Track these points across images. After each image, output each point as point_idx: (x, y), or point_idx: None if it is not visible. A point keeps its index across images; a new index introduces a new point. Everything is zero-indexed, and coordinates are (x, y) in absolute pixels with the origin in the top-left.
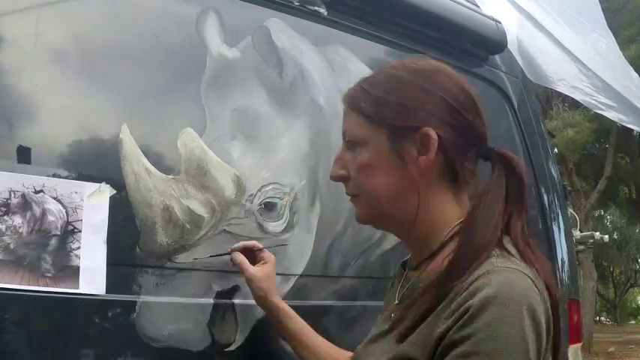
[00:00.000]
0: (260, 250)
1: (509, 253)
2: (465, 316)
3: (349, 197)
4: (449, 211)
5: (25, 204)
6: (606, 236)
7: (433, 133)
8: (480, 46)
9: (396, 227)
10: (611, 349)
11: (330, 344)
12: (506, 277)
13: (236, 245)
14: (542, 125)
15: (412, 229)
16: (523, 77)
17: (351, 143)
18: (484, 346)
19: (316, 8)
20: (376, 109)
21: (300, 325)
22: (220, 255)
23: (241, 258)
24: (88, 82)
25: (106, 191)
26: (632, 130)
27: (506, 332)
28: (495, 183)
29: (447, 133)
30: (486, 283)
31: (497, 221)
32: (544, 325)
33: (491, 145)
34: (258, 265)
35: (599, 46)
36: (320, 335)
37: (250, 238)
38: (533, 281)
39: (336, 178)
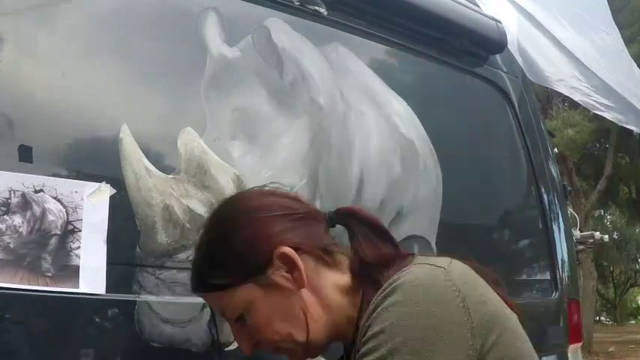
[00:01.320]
0: None
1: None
2: (373, 314)
3: (285, 350)
4: (343, 296)
5: (25, 203)
6: (606, 236)
7: (286, 249)
8: (480, 45)
9: (329, 340)
10: (611, 348)
11: None
12: (415, 271)
13: None
14: (542, 125)
15: (336, 330)
16: (523, 77)
17: (237, 318)
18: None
19: (316, 8)
20: (225, 275)
21: None
22: None
23: None
24: (88, 81)
25: (106, 191)
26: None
27: (415, 324)
28: (355, 242)
29: (295, 238)
30: (394, 280)
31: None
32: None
33: (330, 212)
34: None
35: (602, 44)
36: None
37: None
38: (446, 272)
39: (253, 350)
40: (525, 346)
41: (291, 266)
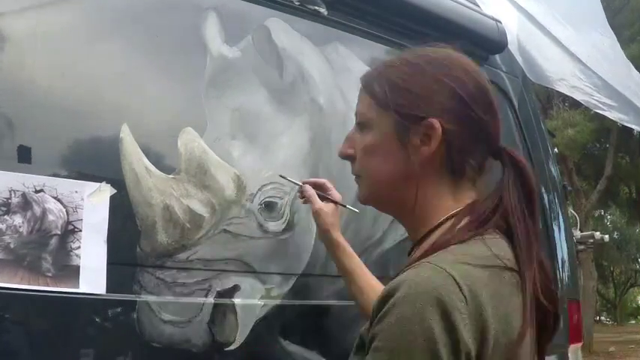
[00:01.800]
0: (329, 189)
1: (477, 244)
2: (379, 313)
3: (354, 177)
4: (442, 203)
5: (26, 203)
6: (606, 236)
7: (437, 125)
8: (480, 45)
9: (393, 211)
10: (611, 348)
11: (381, 285)
12: (422, 273)
13: (308, 179)
14: (542, 125)
15: (408, 215)
16: (523, 77)
17: (360, 124)
18: (387, 344)
19: (316, 8)
20: (387, 94)
21: (355, 264)
22: (293, 182)
23: (311, 191)
24: (89, 81)
25: (106, 191)
26: (633, 129)
27: (408, 330)
28: (501, 183)
29: (454, 127)
30: (401, 278)
31: (477, 226)
32: (465, 333)
33: (502, 145)
34: (326, 201)
35: (600, 45)
36: (320, 334)
37: (251, 238)
38: (457, 283)
39: (342, 156)
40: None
41: (426, 140)
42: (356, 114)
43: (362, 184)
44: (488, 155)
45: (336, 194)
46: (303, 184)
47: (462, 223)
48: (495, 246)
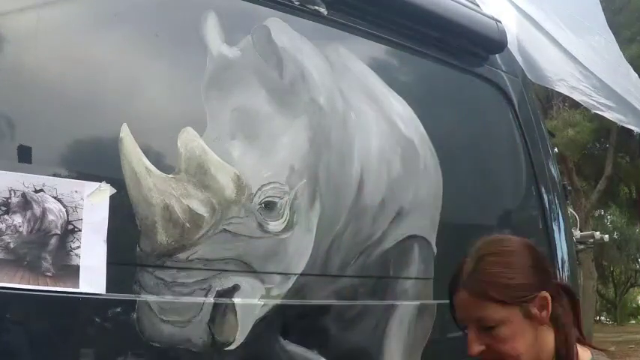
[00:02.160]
0: None
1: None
2: None
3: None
4: (550, 342)
5: (26, 203)
6: (606, 236)
7: (547, 295)
8: (480, 45)
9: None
10: (612, 348)
11: None
12: None
13: None
14: (542, 125)
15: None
16: (523, 77)
17: (486, 327)
18: None
19: (316, 8)
20: (506, 294)
21: None
22: None
23: None
24: (89, 80)
25: (106, 190)
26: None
27: None
28: (568, 313)
29: (546, 286)
30: None
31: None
32: None
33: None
34: None
35: (599, 46)
36: (320, 334)
37: (250, 238)
38: None
39: (475, 355)
40: None
41: (543, 307)
42: (479, 319)
43: None
44: (556, 293)
45: None
46: None
47: None
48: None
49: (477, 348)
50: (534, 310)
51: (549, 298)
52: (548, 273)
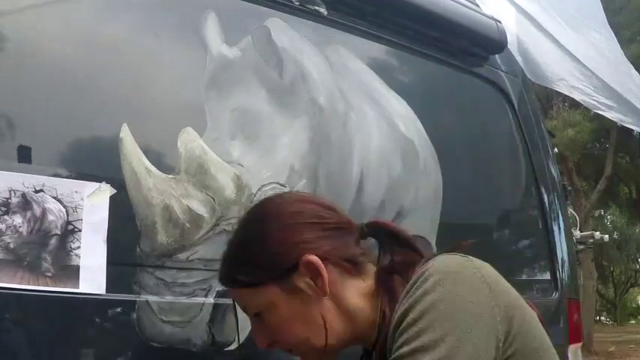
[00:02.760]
0: None
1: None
2: (407, 305)
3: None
4: (365, 297)
5: (25, 203)
6: (606, 236)
7: (313, 257)
8: (479, 45)
9: (346, 343)
10: (612, 348)
11: None
12: (443, 260)
13: None
14: (542, 125)
15: (357, 333)
16: (523, 77)
17: (257, 315)
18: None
19: (316, 8)
20: (252, 273)
21: None
22: None
23: None
24: (89, 80)
25: (106, 190)
26: (633, 129)
27: (461, 301)
28: (382, 253)
29: (323, 247)
30: (424, 271)
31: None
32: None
33: (358, 224)
34: None
35: (600, 45)
36: None
37: None
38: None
39: (268, 348)
40: (544, 337)
41: (315, 274)
42: (245, 309)
43: (303, 355)
44: (360, 239)
45: None
46: None
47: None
48: None
49: (263, 341)
50: (302, 283)
51: (316, 260)
52: (322, 225)
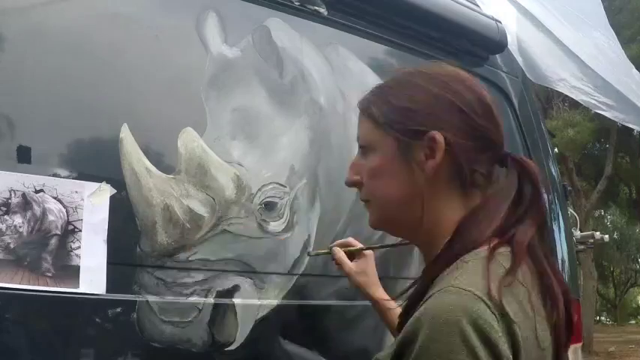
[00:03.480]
0: (356, 244)
1: (492, 261)
2: (411, 343)
3: (363, 203)
4: (455, 216)
5: (26, 203)
6: (606, 236)
7: (440, 137)
8: (480, 45)
9: (405, 232)
10: (612, 348)
11: None
12: (452, 299)
13: (337, 242)
14: (542, 125)
15: (419, 233)
16: (523, 77)
17: (363, 149)
18: None
19: (316, 8)
20: (385, 114)
21: (395, 317)
22: (322, 253)
23: (340, 254)
24: (89, 80)
25: (106, 191)
26: (633, 129)
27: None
28: (503, 187)
29: (456, 137)
30: (431, 306)
31: (490, 224)
32: (503, 346)
33: (508, 152)
34: (356, 259)
35: (600, 45)
36: (320, 334)
37: (251, 238)
38: (487, 305)
39: (349, 184)
40: None
41: (431, 153)
42: (358, 139)
43: (371, 209)
44: (494, 163)
45: (366, 252)
46: (332, 249)
47: (477, 234)
48: (507, 262)
49: (351, 175)
50: (416, 153)
51: (442, 142)
52: (473, 119)
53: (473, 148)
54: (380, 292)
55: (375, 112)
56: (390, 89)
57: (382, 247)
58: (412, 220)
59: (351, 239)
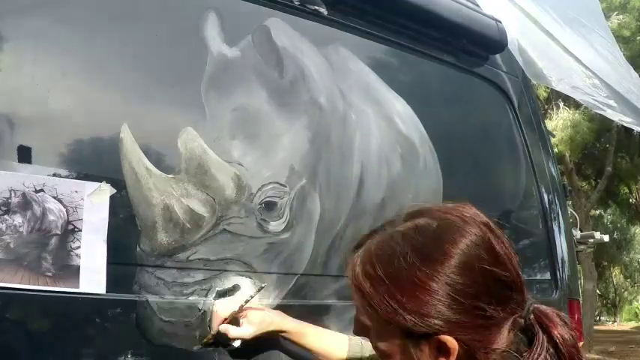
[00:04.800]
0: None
1: None
2: None
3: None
4: None
5: (26, 203)
6: (606, 236)
7: (451, 342)
8: (480, 45)
9: None
10: (612, 349)
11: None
12: None
13: (215, 326)
14: (542, 125)
15: None
16: (523, 77)
17: (366, 329)
18: None
19: (317, 8)
20: (384, 309)
21: (313, 339)
22: (209, 339)
23: (229, 328)
24: (89, 80)
25: (106, 190)
26: (633, 129)
27: None
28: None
29: (467, 331)
30: None
31: None
32: None
33: (529, 306)
34: (243, 321)
35: (599, 46)
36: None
37: (251, 237)
38: None
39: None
40: None
41: (443, 354)
42: (357, 311)
43: None
44: (514, 331)
45: (249, 312)
46: (218, 330)
47: None
48: None
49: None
50: (424, 354)
51: (453, 347)
52: (484, 310)
53: (490, 336)
54: (287, 323)
55: (377, 305)
56: (383, 277)
57: (247, 302)
58: None
59: (222, 327)
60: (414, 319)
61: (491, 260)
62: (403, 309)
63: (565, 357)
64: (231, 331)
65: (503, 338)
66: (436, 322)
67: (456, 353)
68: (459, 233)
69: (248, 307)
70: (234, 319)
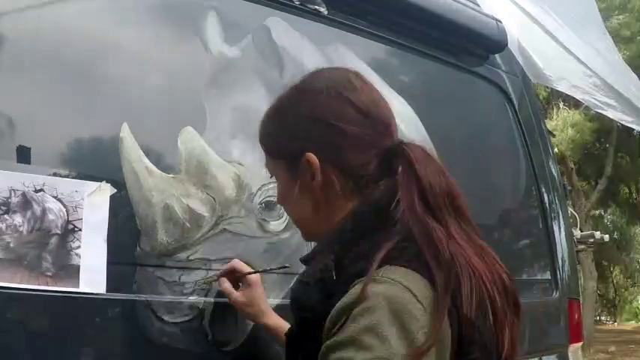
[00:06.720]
0: (242, 269)
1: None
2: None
3: None
4: (340, 213)
5: (26, 203)
6: (606, 236)
7: (312, 158)
8: (480, 45)
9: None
10: (612, 348)
11: None
12: (384, 288)
13: (223, 269)
14: (542, 124)
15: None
16: (523, 76)
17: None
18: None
19: (317, 7)
20: (268, 144)
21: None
22: (210, 280)
23: (226, 285)
24: (89, 80)
25: (106, 190)
26: (633, 129)
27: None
28: (397, 182)
29: (330, 151)
30: (357, 291)
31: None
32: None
33: (394, 143)
34: (242, 288)
35: (598, 47)
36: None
37: (251, 237)
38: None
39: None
40: None
41: (313, 173)
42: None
43: (301, 231)
44: (383, 156)
45: (252, 277)
46: (219, 277)
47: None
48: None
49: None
50: (303, 174)
51: (315, 161)
52: (349, 130)
53: (351, 155)
54: (272, 319)
55: (264, 145)
56: (268, 119)
57: (266, 271)
58: (319, 228)
59: (236, 263)
60: (281, 144)
61: (350, 89)
62: (277, 135)
63: (426, 191)
64: (224, 285)
65: (371, 161)
66: (300, 141)
67: (318, 169)
68: (328, 70)
69: (257, 283)
70: (239, 279)
